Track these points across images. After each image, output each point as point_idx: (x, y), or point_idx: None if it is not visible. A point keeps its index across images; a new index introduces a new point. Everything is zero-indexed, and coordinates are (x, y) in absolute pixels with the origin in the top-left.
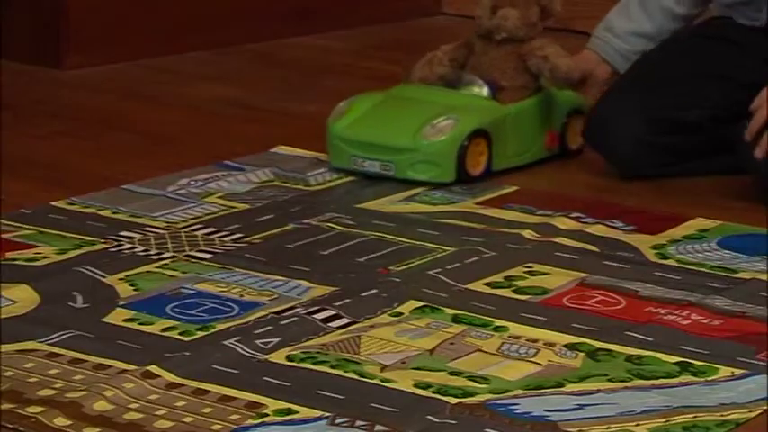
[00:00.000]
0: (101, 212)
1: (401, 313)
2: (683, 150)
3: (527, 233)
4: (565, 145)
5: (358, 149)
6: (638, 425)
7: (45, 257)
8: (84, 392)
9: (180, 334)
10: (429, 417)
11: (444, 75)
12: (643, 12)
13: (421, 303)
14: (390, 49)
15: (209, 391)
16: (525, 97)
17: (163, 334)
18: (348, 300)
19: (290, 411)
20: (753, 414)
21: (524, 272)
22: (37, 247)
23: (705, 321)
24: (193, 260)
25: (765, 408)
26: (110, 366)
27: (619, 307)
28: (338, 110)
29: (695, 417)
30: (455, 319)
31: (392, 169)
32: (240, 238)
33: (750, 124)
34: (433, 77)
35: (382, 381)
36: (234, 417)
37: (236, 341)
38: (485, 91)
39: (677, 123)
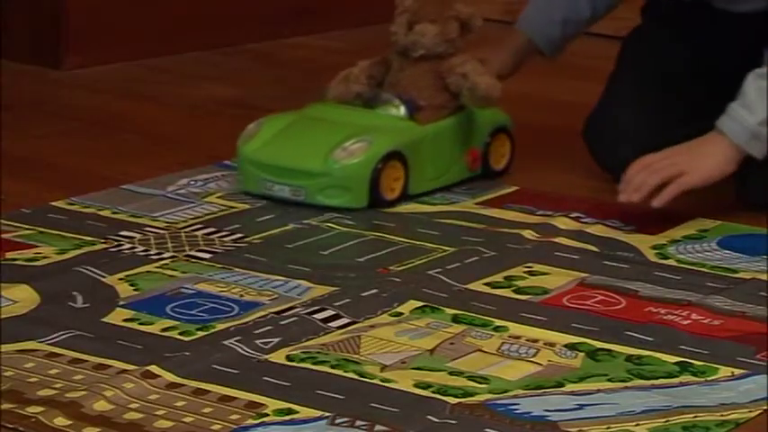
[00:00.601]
0: (101, 212)
1: (401, 313)
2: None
3: (527, 233)
4: (488, 165)
5: (268, 173)
6: (637, 425)
7: (45, 257)
8: (84, 392)
9: (180, 334)
10: (429, 417)
11: (361, 93)
12: None
13: (421, 303)
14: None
15: (209, 391)
16: (444, 116)
17: (163, 334)
18: (348, 300)
19: (290, 411)
20: (753, 414)
21: (524, 272)
22: (37, 247)
23: (705, 321)
24: (193, 260)
25: (765, 408)
26: (110, 366)
27: (619, 307)
28: (248, 132)
29: (695, 417)
30: (455, 319)
31: (303, 194)
32: (240, 238)
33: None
34: (350, 95)
35: (382, 381)
36: (234, 417)
37: (236, 341)
38: (402, 110)
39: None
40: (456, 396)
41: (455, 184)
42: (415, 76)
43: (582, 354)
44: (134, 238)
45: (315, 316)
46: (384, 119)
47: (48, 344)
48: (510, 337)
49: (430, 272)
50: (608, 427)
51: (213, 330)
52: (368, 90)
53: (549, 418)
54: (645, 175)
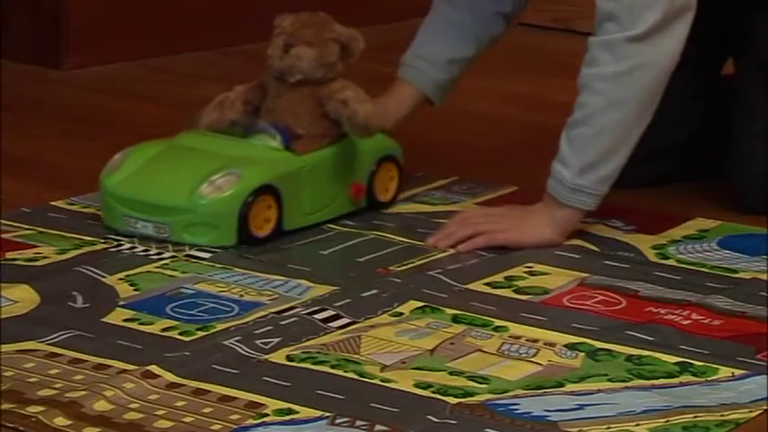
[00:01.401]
0: (100, 212)
1: (401, 313)
2: None
3: None
4: (373, 197)
5: (130, 209)
6: (638, 425)
7: (45, 257)
8: (84, 392)
9: (180, 334)
10: (429, 417)
11: (236, 121)
12: (459, 34)
13: (421, 303)
14: (389, 49)
15: (209, 391)
16: (324, 146)
17: (163, 334)
18: (348, 300)
19: (290, 411)
20: (753, 414)
21: (524, 272)
22: (37, 247)
23: (705, 321)
24: (193, 260)
25: (766, 408)
26: (110, 366)
27: (619, 307)
28: (112, 163)
29: (695, 417)
30: (455, 320)
31: (167, 232)
32: None
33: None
34: (224, 123)
35: (382, 381)
36: (234, 417)
37: (236, 341)
38: (278, 140)
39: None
40: (456, 396)
41: (340, 216)
42: (293, 103)
43: (582, 354)
44: (134, 238)
45: (315, 316)
46: (257, 149)
47: (48, 344)
48: (510, 337)
49: (430, 272)
50: (608, 427)
51: (213, 330)
52: (244, 117)
53: (550, 419)
54: (458, 227)
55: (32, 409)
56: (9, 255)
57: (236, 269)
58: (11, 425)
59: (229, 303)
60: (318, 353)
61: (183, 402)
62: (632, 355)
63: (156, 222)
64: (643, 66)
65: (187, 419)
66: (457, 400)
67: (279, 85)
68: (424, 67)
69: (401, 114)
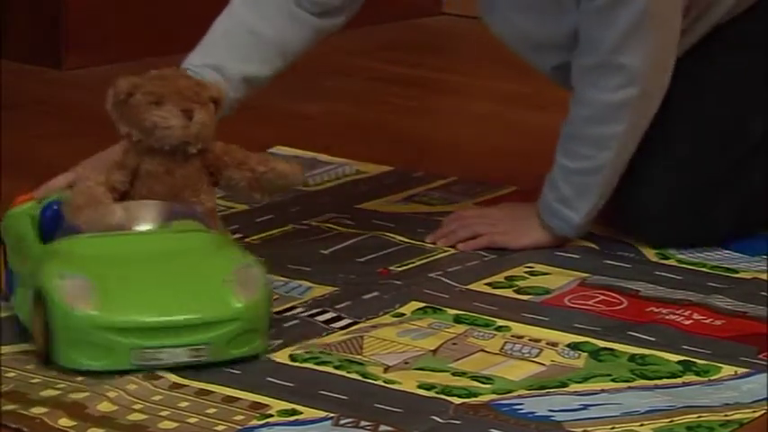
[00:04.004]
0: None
1: (403, 314)
2: None
3: None
4: None
5: (145, 338)
6: (642, 425)
7: None
8: (87, 394)
9: None
10: (433, 417)
11: (121, 222)
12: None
13: (422, 304)
14: (390, 49)
15: (212, 392)
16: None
17: None
18: (349, 301)
19: (294, 412)
20: (756, 414)
21: (525, 272)
22: None
23: (707, 321)
24: None
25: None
26: None
27: (620, 307)
28: (74, 293)
29: (699, 417)
30: (457, 320)
31: (206, 352)
32: (240, 238)
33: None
34: (111, 227)
35: (386, 381)
36: (238, 417)
37: None
38: (200, 223)
39: None
40: (460, 396)
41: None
42: (191, 178)
43: (585, 354)
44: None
45: (317, 318)
46: (202, 237)
47: None
48: (512, 336)
49: (431, 273)
50: (612, 428)
51: None
52: (126, 215)
53: (554, 419)
54: (457, 226)
55: (36, 410)
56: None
57: None
58: (15, 426)
59: None
60: (321, 353)
61: (187, 403)
62: (635, 355)
63: (193, 345)
64: (650, 112)
65: (191, 420)
66: (461, 401)
67: (167, 160)
68: (220, 82)
69: None
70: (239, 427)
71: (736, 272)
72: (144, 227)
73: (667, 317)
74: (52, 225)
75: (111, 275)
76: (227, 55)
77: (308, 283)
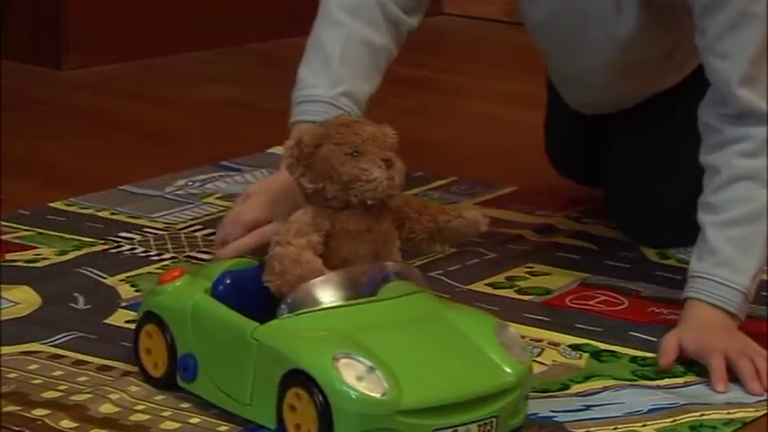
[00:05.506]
0: (99, 213)
1: None
2: None
3: (527, 233)
4: None
5: (439, 418)
6: (644, 425)
7: (45, 258)
8: (89, 395)
9: None
10: None
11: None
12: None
13: None
14: (406, 50)
15: None
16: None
17: None
18: None
19: None
20: (758, 413)
21: (525, 272)
22: (37, 248)
23: None
24: (194, 261)
25: None
26: (113, 368)
27: (621, 307)
28: (359, 374)
29: (702, 415)
30: None
31: (493, 426)
32: None
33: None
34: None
35: None
36: (241, 418)
37: None
38: (415, 282)
39: None
40: None
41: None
42: (389, 234)
43: (586, 354)
44: (134, 239)
45: None
46: (425, 297)
47: (51, 345)
48: None
49: (431, 273)
50: (615, 428)
51: None
52: (348, 282)
53: (556, 419)
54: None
55: (38, 412)
56: (9, 256)
57: None
58: (17, 427)
59: None
60: None
61: (189, 404)
62: (636, 357)
63: (483, 419)
64: None
65: (193, 421)
66: None
67: (367, 216)
68: (350, 106)
69: None
70: (242, 428)
71: None
72: (372, 294)
73: (668, 317)
74: (229, 299)
75: (383, 352)
76: (352, 77)
77: None
